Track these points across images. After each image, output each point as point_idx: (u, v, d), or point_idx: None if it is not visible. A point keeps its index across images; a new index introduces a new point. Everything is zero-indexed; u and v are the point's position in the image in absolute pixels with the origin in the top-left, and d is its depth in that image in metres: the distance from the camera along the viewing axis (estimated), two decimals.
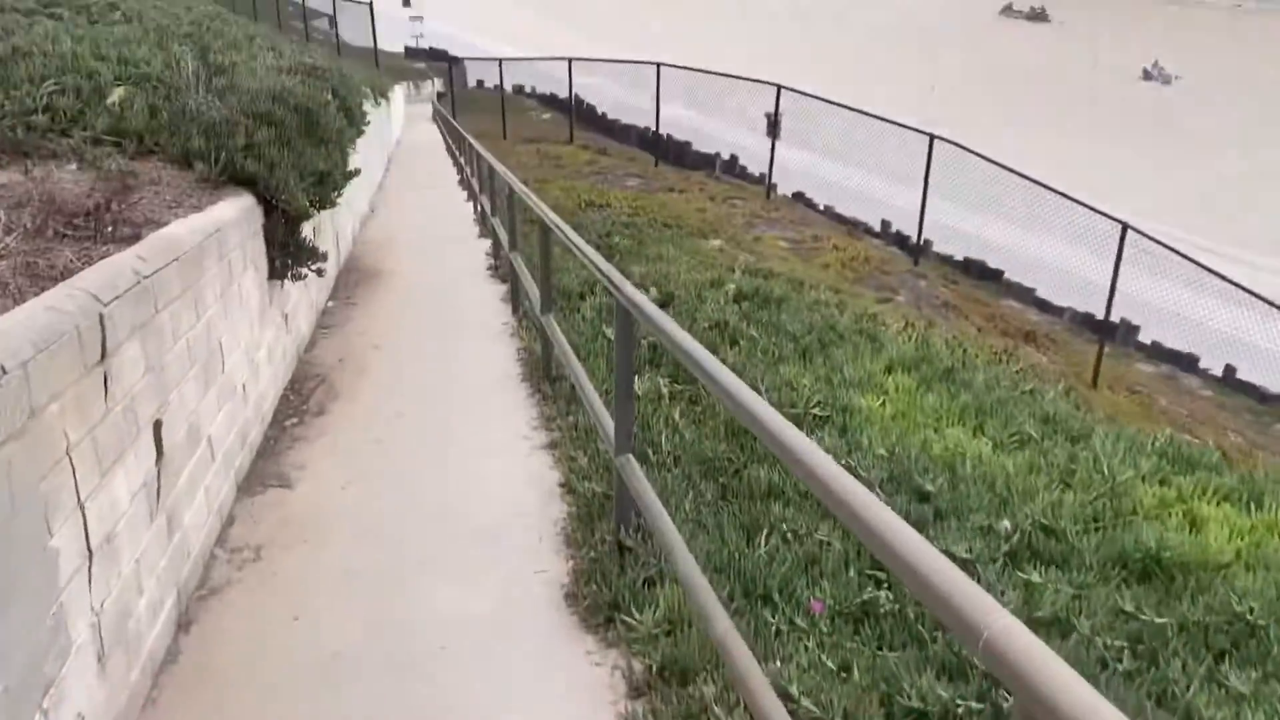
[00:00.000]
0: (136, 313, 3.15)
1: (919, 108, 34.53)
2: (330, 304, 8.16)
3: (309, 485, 4.58)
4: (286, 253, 5.77)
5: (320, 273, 6.06)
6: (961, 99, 39.49)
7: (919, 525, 3.86)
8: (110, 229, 3.93)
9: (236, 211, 4.91)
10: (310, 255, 5.93)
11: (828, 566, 3.58)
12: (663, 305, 7.76)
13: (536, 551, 3.83)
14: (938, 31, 53.22)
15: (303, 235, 5.89)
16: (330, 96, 8.59)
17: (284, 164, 5.68)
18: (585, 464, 4.39)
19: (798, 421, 5.00)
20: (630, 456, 3.27)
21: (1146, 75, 45.30)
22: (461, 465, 4.77)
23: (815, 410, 5.01)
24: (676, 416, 5.09)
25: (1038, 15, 58.35)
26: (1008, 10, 59.93)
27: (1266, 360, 15.06)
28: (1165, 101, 42.48)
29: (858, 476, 4.40)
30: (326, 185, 6.64)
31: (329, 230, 8.54)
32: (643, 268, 9.47)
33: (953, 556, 3.58)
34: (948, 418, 4.89)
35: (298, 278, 5.86)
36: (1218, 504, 3.92)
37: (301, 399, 5.79)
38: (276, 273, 5.75)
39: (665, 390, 5.51)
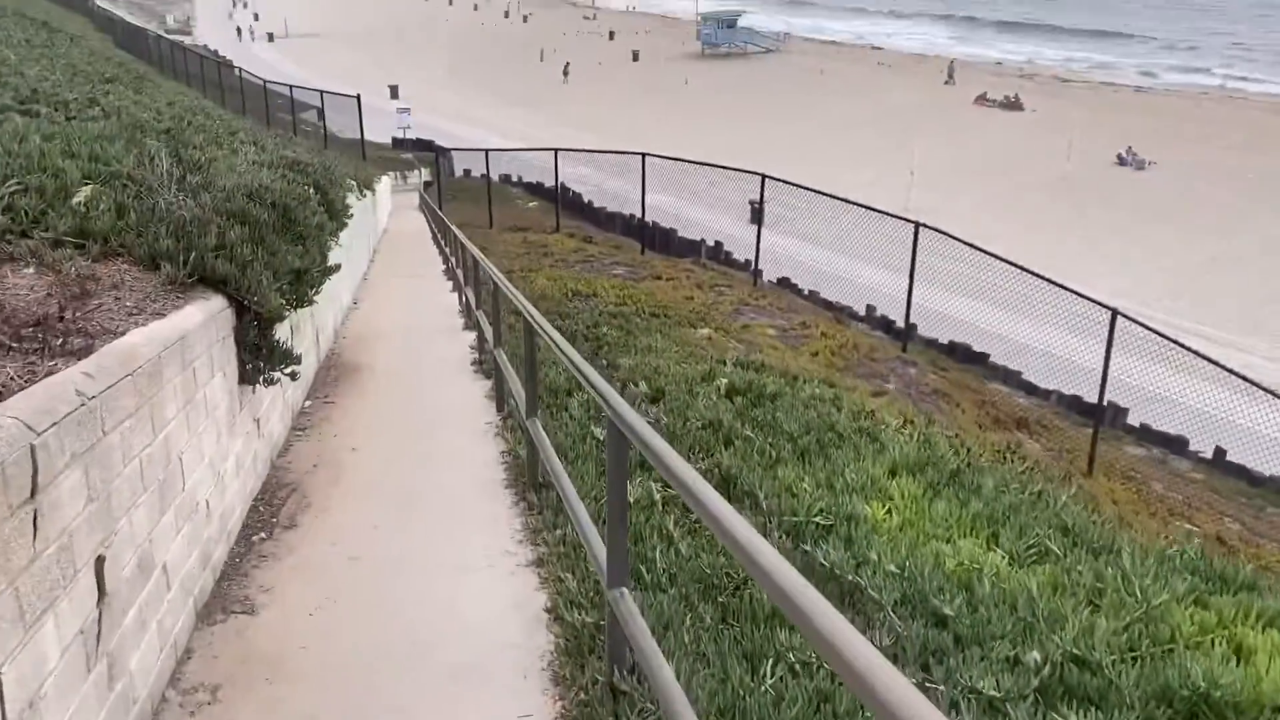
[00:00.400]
0: (79, 438, 2.86)
1: (902, 192, 34.98)
2: (308, 403, 7.87)
3: (274, 612, 4.23)
4: (259, 356, 5.51)
5: (294, 376, 5.79)
6: (941, 184, 40.05)
7: (939, 655, 3.55)
8: (61, 340, 3.66)
9: (204, 315, 4.66)
10: (284, 358, 5.67)
11: (841, 705, 3.25)
12: (653, 401, 7.51)
13: (521, 692, 3.48)
14: (916, 120, 54.29)
15: (276, 337, 5.63)
16: (311, 191, 8.44)
17: (257, 263, 5.46)
18: (574, 587, 4.06)
19: (799, 532, 4.70)
20: (624, 591, 2.96)
21: (1121, 161, 46.05)
22: (440, 586, 4.43)
23: (817, 519, 4.72)
24: (670, 527, 4.78)
25: (1012, 104, 59.65)
26: (982, 99, 61.25)
27: (1256, 442, 14.91)
28: (1139, 186, 43.15)
29: (865, 596, 4.10)
30: (303, 283, 6.42)
31: (308, 327, 8.30)
32: (631, 360, 9.25)
33: (979, 693, 3.26)
34: (959, 528, 4.60)
35: (270, 382, 5.58)
36: (1263, 630, 3.63)
37: (272, 510, 5.46)
38: (248, 377, 5.47)
39: (658, 496, 5.21)
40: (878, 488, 5.08)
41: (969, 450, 6.42)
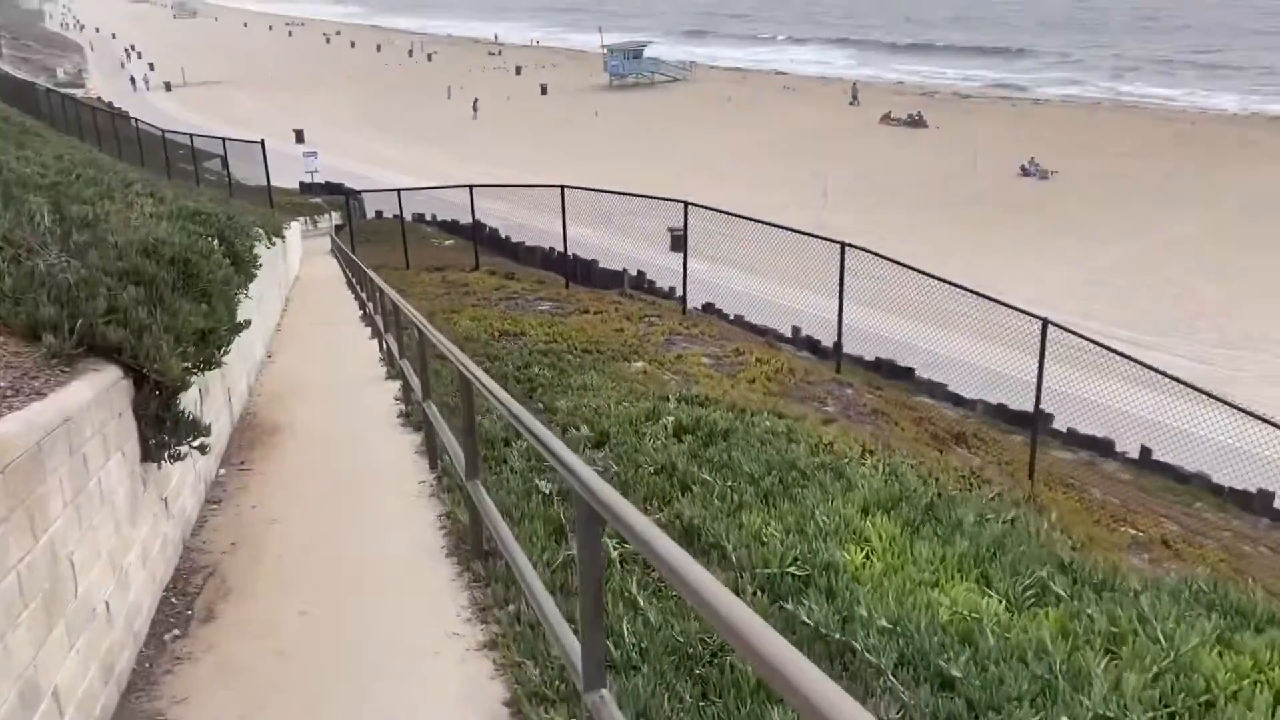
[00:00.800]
0: None
1: (816, 212, 35.32)
2: (222, 471, 7.26)
3: None
4: (162, 429, 4.95)
5: (204, 449, 5.23)
6: (854, 202, 40.60)
7: None
8: None
9: (95, 390, 4.12)
10: (192, 429, 5.11)
11: None
12: (597, 446, 7.10)
13: None
14: (826, 141, 55.18)
15: (181, 407, 5.08)
16: (215, 242, 7.90)
17: (156, 326, 4.92)
18: (537, 677, 3.60)
19: (773, 585, 4.33)
20: (604, 694, 2.53)
21: (1024, 172, 47.35)
22: (382, 681, 3.93)
23: (792, 570, 4.35)
24: (634, 590, 4.37)
25: (916, 122, 61.09)
26: (887, 118, 62.63)
27: (1180, 440, 15.14)
28: (1045, 195, 44.37)
29: (858, 658, 3.74)
30: (210, 344, 5.87)
31: (219, 388, 7.70)
32: (569, 401, 8.83)
33: None
34: (946, 570, 4.28)
35: (177, 458, 5.02)
36: None
37: (186, 601, 4.88)
38: (151, 454, 4.91)
39: (615, 554, 4.80)
40: (852, 530, 4.73)
41: (938, 480, 6.14)
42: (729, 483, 5.51)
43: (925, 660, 3.46)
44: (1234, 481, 15.89)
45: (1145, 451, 17.52)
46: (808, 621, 3.83)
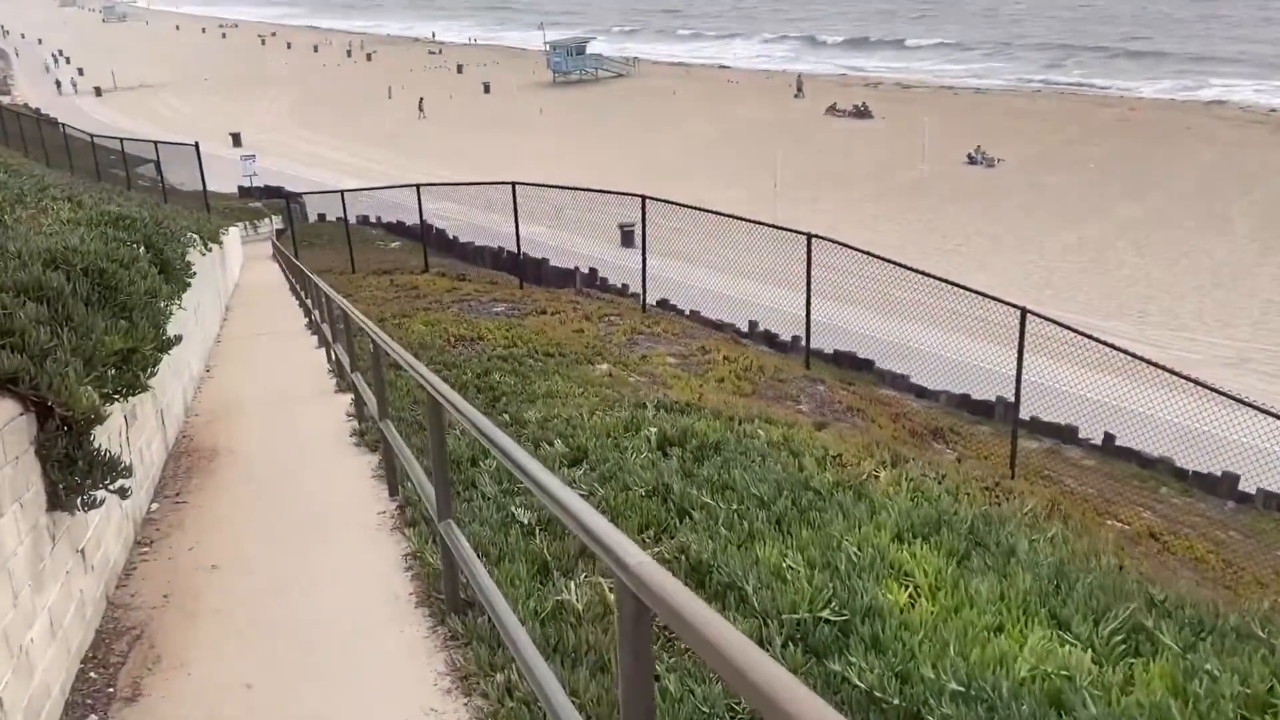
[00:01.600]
0: None
1: (767, 205, 34.89)
2: (154, 507, 6.46)
3: None
4: (73, 471, 4.18)
5: (124, 492, 4.47)
6: (803, 193, 40.33)
7: None
8: None
9: None
10: (110, 470, 4.34)
11: None
12: (574, 463, 6.44)
13: None
14: (773, 133, 54.88)
15: (95, 444, 4.31)
16: (141, 250, 7.09)
17: (62, 350, 4.17)
18: None
19: (806, 634, 3.70)
20: None
21: (971, 160, 47.46)
22: None
23: (825, 614, 3.71)
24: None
25: (862, 113, 61.10)
26: (833, 110, 62.59)
27: (1143, 424, 14.93)
28: (992, 183, 44.52)
29: None
30: (133, 366, 5.11)
31: (149, 411, 6.90)
32: (537, 412, 8.14)
33: None
34: (1010, 611, 3.66)
35: (92, 504, 4.25)
36: None
37: (107, 675, 4.12)
38: (61, 501, 4.15)
39: (612, 598, 4.13)
40: (889, 562, 4.10)
41: (969, 496, 5.54)
42: (734, 507, 4.86)
43: None
44: (1198, 465, 15.74)
45: (1109, 437, 17.36)
46: (859, 683, 3.20)
